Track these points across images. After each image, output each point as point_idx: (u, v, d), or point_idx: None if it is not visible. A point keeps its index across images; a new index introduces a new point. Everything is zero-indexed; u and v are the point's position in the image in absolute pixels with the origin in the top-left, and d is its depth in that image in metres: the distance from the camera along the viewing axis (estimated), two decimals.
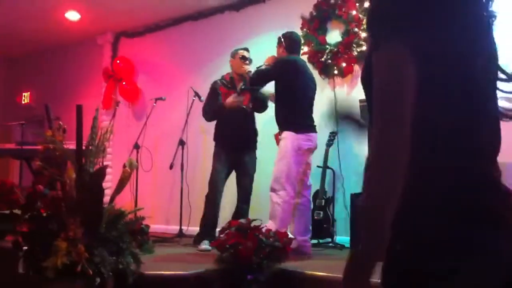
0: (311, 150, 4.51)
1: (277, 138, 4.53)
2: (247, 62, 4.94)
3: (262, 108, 5.10)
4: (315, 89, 4.73)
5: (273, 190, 4.32)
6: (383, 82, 1.04)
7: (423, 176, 1.05)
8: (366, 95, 1.19)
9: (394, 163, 1.00)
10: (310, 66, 5.46)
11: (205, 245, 4.59)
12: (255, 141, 5.10)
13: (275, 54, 4.76)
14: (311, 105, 4.62)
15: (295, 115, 4.49)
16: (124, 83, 7.44)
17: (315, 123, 4.59)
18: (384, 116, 1.02)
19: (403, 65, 1.00)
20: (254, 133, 5.10)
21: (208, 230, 4.77)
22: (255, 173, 5.03)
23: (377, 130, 1.02)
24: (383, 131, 1.01)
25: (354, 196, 4.80)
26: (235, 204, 4.98)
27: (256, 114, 5.17)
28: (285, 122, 4.47)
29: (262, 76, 4.64)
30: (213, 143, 5.12)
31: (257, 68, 4.76)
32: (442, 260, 0.99)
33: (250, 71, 4.85)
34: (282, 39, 4.68)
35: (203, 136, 6.14)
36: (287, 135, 4.38)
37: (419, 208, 1.04)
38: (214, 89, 5.12)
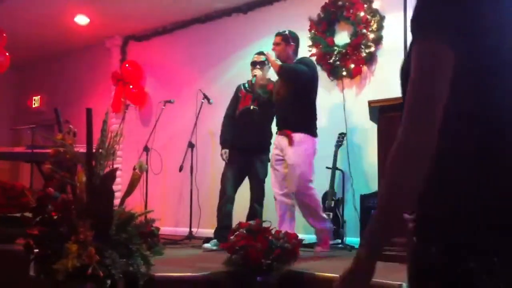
0: None
1: (292, 137, 4.44)
2: (257, 66, 5.02)
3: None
4: None
5: (305, 195, 4.41)
6: (420, 67, 1.07)
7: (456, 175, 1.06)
8: (403, 86, 1.22)
9: (418, 151, 1.03)
10: (318, 69, 5.47)
11: (208, 244, 4.76)
12: (266, 144, 5.07)
13: (274, 51, 4.73)
14: None
15: (315, 119, 4.60)
16: (131, 86, 7.47)
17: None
18: (417, 96, 1.05)
19: (440, 55, 1.04)
20: (265, 135, 5.07)
21: (218, 234, 4.82)
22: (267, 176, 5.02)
23: (409, 108, 1.05)
24: (413, 113, 1.05)
25: (363, 197, 4.80)
26: (248, 205, 4.99)
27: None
28: (305, 124, 4.50)
29: (299, 74, 4.48)
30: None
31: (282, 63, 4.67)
32: (480, 259, 1.00)
33: (255, 75, 4.93)
34: (292, 40, 4.69)
35: (212, 139, 6.16)
36: (307, 138, 4.44)
37: (456, 209, 1.05)
38: (235, 93, 5.26)
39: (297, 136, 4.42)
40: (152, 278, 2.89)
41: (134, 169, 3.03)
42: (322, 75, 5.48)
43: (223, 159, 5.14)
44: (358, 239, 4.80)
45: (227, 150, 5.08)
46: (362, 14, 5.41)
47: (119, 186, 5.21)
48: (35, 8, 6.76)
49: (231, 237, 3.32)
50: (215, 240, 4.77)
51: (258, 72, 4.97)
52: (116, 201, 2.88)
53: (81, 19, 7.15)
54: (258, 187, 4.98)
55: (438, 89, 1.03)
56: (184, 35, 7.17)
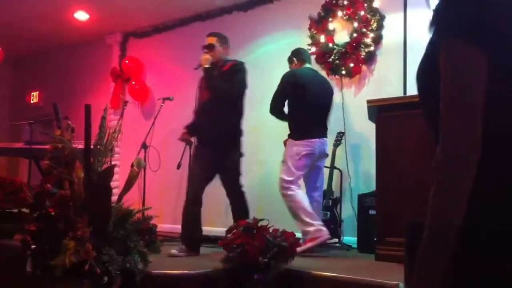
0: (311, 155, 4.51)
1: (284, 144, 4.72)
2: (205, 50, 4.59)
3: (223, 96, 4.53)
4: (330, 94, 4.80)
5: (283, 195, 4.45)
6: (456, 77, 1.04)
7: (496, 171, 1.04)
8: (421, 91, 1.20)
9: (464, 159, 1.00)
10: (318, 67, 5.46)
11: (174, 250, 4.26)
12: (235, 137, 4.55)
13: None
14: (323, 111, 4.69)
15: (299, 124, 4.60)
16: (133, 82, 7.47)
17: (323, 128, 4.65)
18: (455, 110, 1.02)
19: (475, 63, 1.02)
20: (233, 128, 4.54)
21: (189, 246, 4.31)
22: (243, 171, 4.66)
23: (447, 124, 1.02)
24: (453, 124, 1.02)
25: (361, 197, 4.80)
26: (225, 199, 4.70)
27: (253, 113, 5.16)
28: (290, 130, 4.66)
29: (277, 100, 4.65)
30: None
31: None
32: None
33: (206, 59, 4.51)
34: (293, 56, 4.84)
35: None
36: (291, 143, 4.58)
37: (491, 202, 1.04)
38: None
39: (288, 141, 4.65)
40: (149, 275, 2.90)
41: (132, 165, 3.03)
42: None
43: (184, 141, 4.89)
44: (355, 238, 4.80)
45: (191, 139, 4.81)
46: (362, 13, 5.41)
47: (117, 182, 5.19)
48: (35, 3, 6.74)
49: (228, 235, 3.32)
50: (183, 246, 4.30)
51: (203, 57, 4.52)
52: (114, 198, 2.88)
53: (81, 15, 7.14)
54: (237, 183, 4.51)
55: (476, 95, 1.01)
56: (184, 33, 7.15)
